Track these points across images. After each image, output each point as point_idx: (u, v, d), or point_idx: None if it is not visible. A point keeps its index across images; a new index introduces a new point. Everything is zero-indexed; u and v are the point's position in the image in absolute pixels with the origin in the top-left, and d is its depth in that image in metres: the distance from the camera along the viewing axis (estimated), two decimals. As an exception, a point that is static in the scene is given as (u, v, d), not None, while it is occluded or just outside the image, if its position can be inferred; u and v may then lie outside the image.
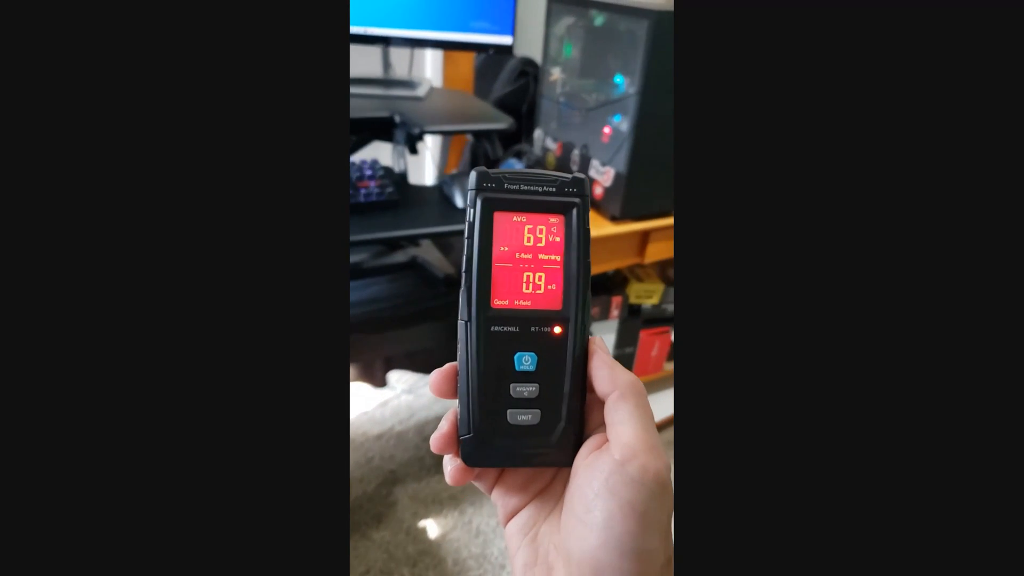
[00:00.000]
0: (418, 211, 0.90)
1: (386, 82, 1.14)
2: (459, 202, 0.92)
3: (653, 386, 1.58)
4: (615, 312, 1.36)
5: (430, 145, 1.53)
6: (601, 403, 0.30)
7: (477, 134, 1.12)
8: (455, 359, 0.31)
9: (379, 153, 1.11)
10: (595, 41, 1.11)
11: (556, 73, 1.20)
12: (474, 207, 0.31)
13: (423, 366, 1.24)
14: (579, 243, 0.31)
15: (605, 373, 0.30)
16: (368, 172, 0.93)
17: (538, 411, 0.31)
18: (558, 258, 0.31)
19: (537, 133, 1.29)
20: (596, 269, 1.20)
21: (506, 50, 1.04)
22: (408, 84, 1.13)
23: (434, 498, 1.39)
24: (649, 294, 1.41)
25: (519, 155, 1.34)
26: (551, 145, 1.24)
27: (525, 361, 0.31)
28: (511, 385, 0.31)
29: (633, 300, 1.40)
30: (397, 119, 0.96)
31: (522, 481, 0.33)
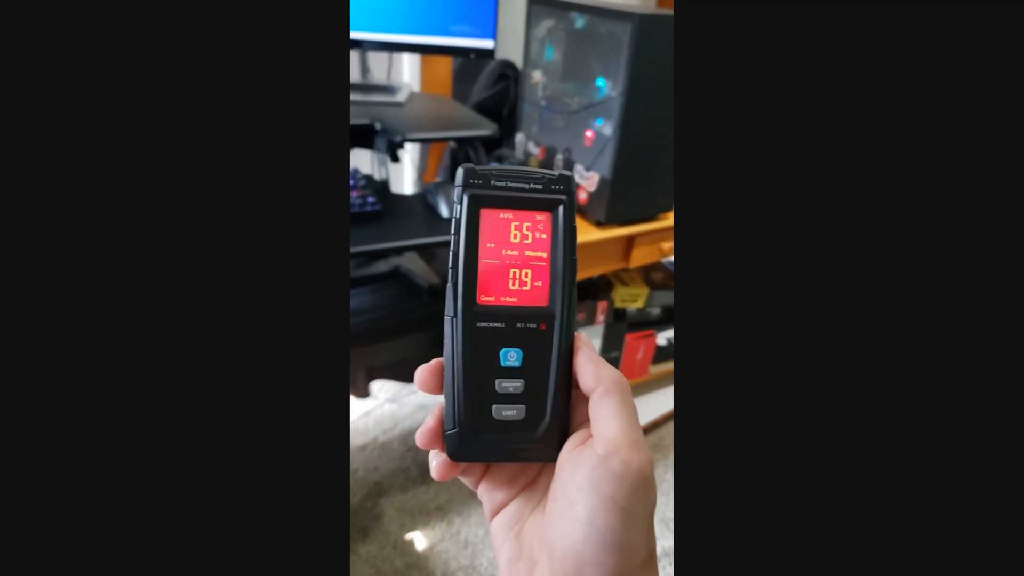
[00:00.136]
0: (402, 221, 0.88)
1: (364, 87, 1.11)
2: (444, 212, 0.90)
3: (638, 389, 1.58)
4: (600, 317, 1.35)
5: (409, 150, 1.50)
6: (586, 399, 0.30)
7: (460, 140, 1.10)
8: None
9: (357, 160, 1.08)
10: (576, 44, 1.10)
11: (537, 76, 1.19)
12: (461, 204, 0.31)
13: (406, 375, 1.21)
14: (565, 240, 0.32)
15: (590, 369, 0.30)
16: (350, 182, 0.90)
17: (523, 406, 0.31)
18: (544, 255, 0.32)
19: (519, 137, 1.27)
20: (581, 275, 1.19)
21: (487, 54, 1.02)
22: (388, 89, 1.11)
23: (421, 509, 1.36)
24: (634, 298, 1.40)
25: (500, 160, 1.32)
26: (533, 149, 1.23)
27: (511, 357, 0.31)
28: (496, 380, 0.31)
29: (618, 304, 1.39)
30: (378, 126, 0.94)
31: (508, 476, 0.33)
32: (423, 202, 0.95)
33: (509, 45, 1.33)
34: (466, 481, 0.33)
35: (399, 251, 0.96)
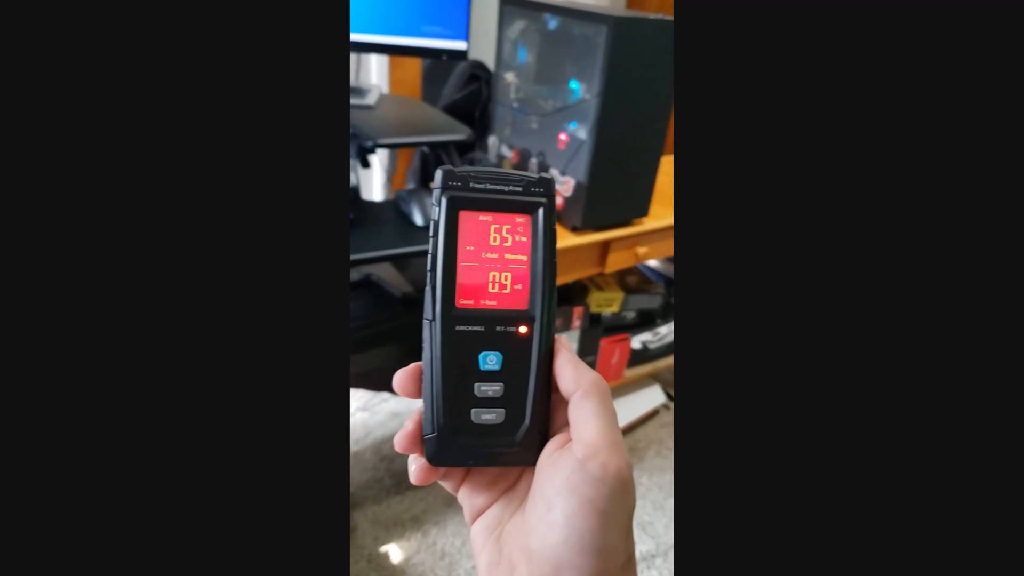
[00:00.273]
0: (375, 231, 0.85)
1: (332, 89, 1.07)
2: (418, 220, 0.87)
3: (614, 393, 1.57)
4: (576, 322, 1.34)
5: (378, 154, 1.47)
6: (566, 402, 0.30)
7: (432, 145, 1.07)
8: None
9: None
10: (550, 45, 1.08)
11: (510, 78, 1.16)
12: (439, 206, 0.30)
13: (378, 383, 1.18)
14: (545, 243, 0.31)
15: (569, 372, 0.30)
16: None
17: (502, 410, 0.31)
18: (524, 258, 0.31)
19: (491, 140, 1.25)
20: (558, 281, 1.17)
21: (460, 55, 0.99)
22: (357, 91, 1.07)
23: (395, 520, 1.33)
24: (609, 302, 1.39)
25: (473, 163, 1.30)
26: (507, 152, 1.20)
27: (490, 360, 0.31)
28: (475, 384, 0.31)
29: (593, 309, 1.38)
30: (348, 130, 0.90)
31: (488, 480, 0.33)
32: (395, 209, 0.92)
33: (480, 46, 1.30)
34: (446, 485, 0.33)
35: (372, 263, 0.92)
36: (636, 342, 1.48)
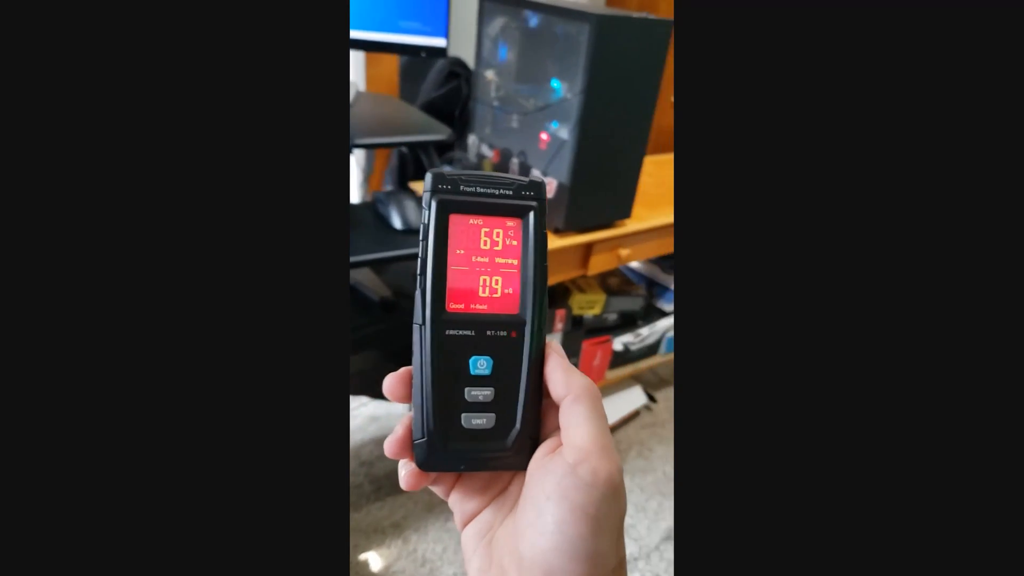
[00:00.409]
0: (352, 235, 0.82)
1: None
2: (396, 223, 0.85)
3: (595, 394, 1.56)
4: (559, 325, 1.32)
5: (355, 154, 1.43)
6: (556, 406, 0.30)
7: (411, 145, 1.04)
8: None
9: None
10: (531, 43, 1.06)
11: (491, 75, 1.14)
12: (429, 209, 0.30)
13: (357, 388, 1.15)
14: (536, 247, 0.31)
15: (560, 376, 0.30)
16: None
17: (493, 415, 0.31)
18: (515, 262, 0.31)
19: (471, 139, 1.22)
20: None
21: (440, 53, 0.97)
22: (331, 89, 1.04)
23: (375, 527, 1.30)
24: (591, 304, 1.38)
25: (452, 162, 1.27)
26: (487, 152, 1.18)
27: (480, 365, 0.31)
28: (466, 389, 0.30)
29: (575, 311, 1.36)
30: (322, 130, 0.87)
31: (479, 485, 0.32)
32: (373, 212, 0.89)
33: (459, 43, 1.28)
34: (437, 490, 0.33)
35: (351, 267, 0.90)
36: (618, 344, 1.47)
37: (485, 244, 0.31)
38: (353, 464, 1.45)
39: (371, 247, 0.78)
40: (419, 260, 0.30)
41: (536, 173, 1.07)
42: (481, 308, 0.31)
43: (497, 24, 1.11)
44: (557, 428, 0.30)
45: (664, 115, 1.09)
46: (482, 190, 0.31)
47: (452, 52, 1.26)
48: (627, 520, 1.39)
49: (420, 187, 1.26)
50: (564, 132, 1.01)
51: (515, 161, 1.12)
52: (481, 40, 1.14)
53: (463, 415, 0.31)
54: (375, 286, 0.95)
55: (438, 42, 0.96)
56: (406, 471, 0.31)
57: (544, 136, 1.05)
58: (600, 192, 1.07)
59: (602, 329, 1.44)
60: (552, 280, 1.16)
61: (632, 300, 1.47)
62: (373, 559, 1.24)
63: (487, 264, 0.31)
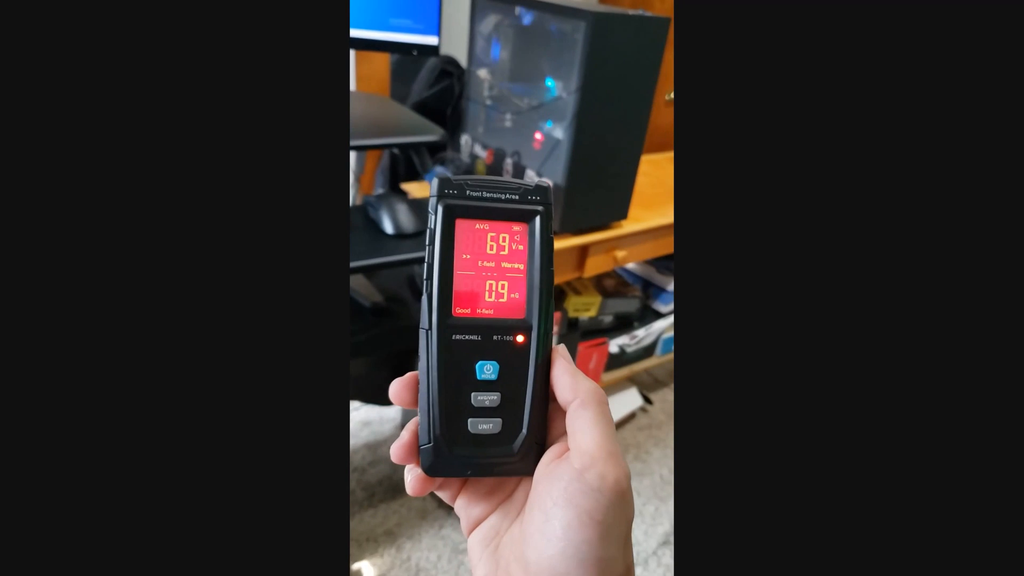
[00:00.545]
0: (341, 239, 0.79)
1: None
2: (388, 227, 0.82)
3: (591, 397, 1.54)
4: (555, 328, 1.30)
5: (345, 151, 1.40)
6: (563, 411, 0.29)
7: (403, 145, 1.01)
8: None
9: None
10: (524, 41, 1.04)
11: (483, 74, 1.12)
12: (435, 214, 0.30)
13: (350, 394, 1.13)
14: (542, 251, 0.31)
15: (567, 381, 0.29)
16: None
17: (499, 420, 0.30)
18: (521, 266, 0.31)
19: (464, 139, 1.20)
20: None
21: (431, 51, 0.94)
22: (320, 89, 1.01)
23: (368, 535, 1.28)
24: (587, 307, 1.36)
25: (444, 163, 1.25)
26: (480, 152, 1.16)
27: (487, 370, 0.30)
28: (472, 394, 0.30)
29: (571, 314, 1.34)
30: (311, 131, 0.84)
31: (485, 490, 0.32)
32: (363, 216, 0.87)
33: (451, 41, 1.25)
34: (443, 495, 0.33)
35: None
36: (613, 346, 1.45)
37: (491, 249, 0.31)
38: (345, 470, 1.42)
39: (362, 253, 0.75)
40: (425, 265, 0.30)
41: (531, 174, 1.05)
42: (487, 313, 0.31)
43: (490, 22, 1.08)
44: (563, 433, 0.29)
45: (659, 113, 1.07)
46: (488, 195, 0.31)
47: (444, 50, 1.23)
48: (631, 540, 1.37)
49: (412, 188, 1.24)
50: (559, 132, 0.99)
51: (509, 162, 1.09)
52: (473, 38, 1.12)
53: (469, 420, 0.30)
54: (366, 292, 0.93)
55: (430, 40, 0.93)
56: (412, 476, 0.31)
57: (538, 136, 1.03)
58: (596, 193, 1.05)
59: (598, 331, 1.43)
60: (547, 283, 1.14)
61: (628, 302, 1.45)
62: (366, 568, 1.22)
63: (493, 269, 0.31)
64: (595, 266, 1.15)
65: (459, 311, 0.30)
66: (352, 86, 1.40)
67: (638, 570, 1.27)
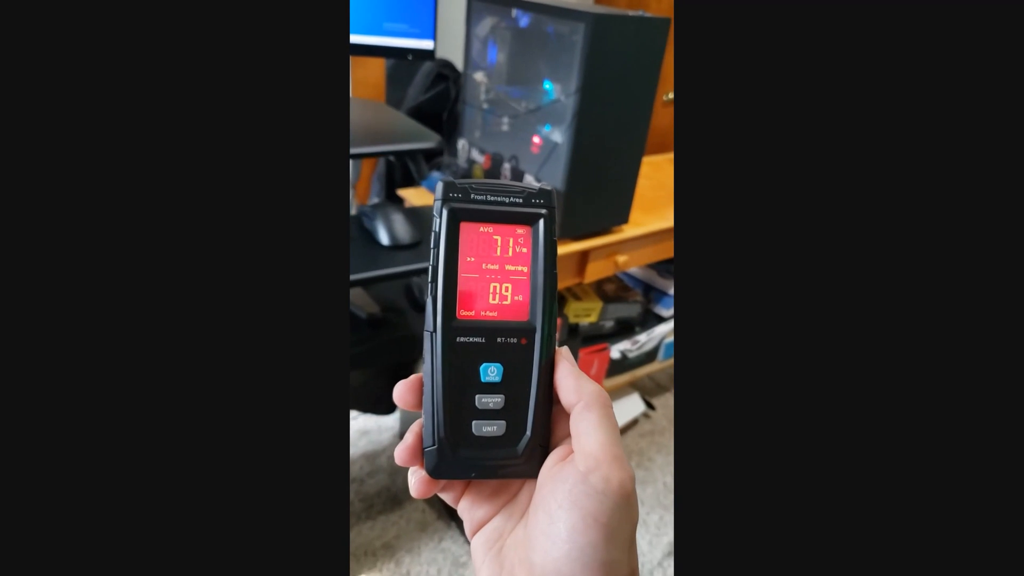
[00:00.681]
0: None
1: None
2: (384, 238, 0.80)
3: (592, 403, 1.51)
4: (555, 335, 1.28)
5: (340, 157, 1.38)
6: (567, 414, 0.30)
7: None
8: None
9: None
10: (521, 44, 1.01)
11: (480, 77, 1.09)
12: (440, 217, 0.30)
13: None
14: (546, 254, 0.31)
15: (571, 383, 0.30)
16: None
17: (503, 422, 0.31)
18: (525, 269, 0.31)
19: (461, 144, 1.18)
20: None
21: (427, 55, 0.92)
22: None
23: (366, 548, 1.26)
24: (587, 312, 1.34)
25: (440, 168, 1.23)
26: (478, 157, 1.13)
27: (491, 372, 0.31)
28: (476, 396, 0.31)
29: (572, 319, 1.32)
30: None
31: (489, 492, 0.32)
32: (359, 226, 0.84)
33: (447, 44, 1.23)
34: (446, 497, 0.33)
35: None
36: (615, 351, 1.43)
37: (495, 252, 0.31)
38: (343, 482, 1.40)
39: (357, 266, 0.73)
40: (430, 268, 0.31)
41: (529, 178, 1.03)
42: (491, 315, 0.31)
43: (486, 24, 1.06)
44: (567, 435, 0.30)
45: (658, 114, 1.04)
46: (492, 198, 0.31)
47: (440, 54, 1.21)
48: (636, 543, 1.35)
49: (409, 195, 1.21)
50: (557, 135, 0.96)
51: (507, 166, 1.07)
52: (470, 41, 1.09)
53: (473, 422, 0.31)
54: (363, 303, 0.90)
55: (425, 44, 0.91)
56: (416, 478, 0.31)
57: (536, 139, 1.01)
58: (596, 197, 1.03)
59: (599, 337, 1.40)
60: (548, 290, 1.12)
61: (629, 307, 1.43)
62: (365, 583, 1.19)
63: (497, 271, 0.31)
64: (596, 272, 1.12)
65: (463, 313, 0.31)
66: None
67: (643, 580, 1.25)
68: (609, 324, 1.41)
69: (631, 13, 0.91)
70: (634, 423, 1.62)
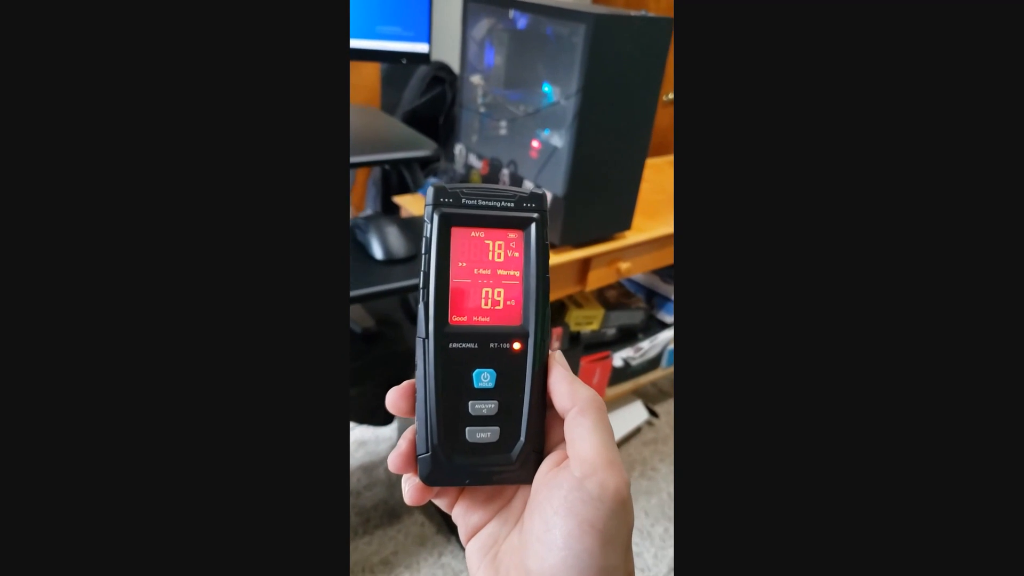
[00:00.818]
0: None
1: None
2: (377, 252, 0.76)
3: (594, 412, 1.48)
4: (555, 344, 1.24)
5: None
6: (561, 419, 0.29)
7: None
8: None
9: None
10: (519, 46, 0.98)
11: (477, 80, 1.06)
12: (431, 222, 0.30)
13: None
14: (538, 258, 0.31)
15: (564, 388, 0.29)
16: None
17: (497, 428, 0.30)
18: (517, 273, 0.31)
19: (458, 148, 1.14)
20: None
21: (422, 59, 0.89)
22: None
23: (363, 565, 1.22)
24: (589, 320, 1.31)
25: (437, 173, 1.19)
26: (475, 162, 1.10)
27: (484, 378, 0.30)
28: (469, 402, 0.30)
29: (573, 328, 1.29)
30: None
31: (483, 498, 0.32)
32: (352, 240, 0.81)
33: (443, 46, 1.19)
34: (440, 504, 0.33)
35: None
36: (617, 359, 1.40)
37: (487, 256, 0.31)
38: (340, 496, 1.36)
39: (352, 281, 0.69)
40: (421, 273, 0.30)
41: (528, 184, 0.99)
42: (484, 321, 0.31)
43: (483, 26, 1.03)
44: (561, 440, 0.29)
45: (659, 115, 1.01)
46: (484, 203, 0.31)
47: (436, 56, 1.17)
48: (631, 548, 1.32)
49: (405, 201, 1.18)
50: (557, 139, 0.93)
51: (505, 172, 1.04)
52: (466, 43, 1.06)
53: (467, 429, 0.30)
54: (358, 317, 0.87)
55: (420, 47, 0.88)
56: (410, 485, 0.31)
57: (535, 144, 0.97)
58: (597, 203, 1.00)
59: (601, 344, 1.37)
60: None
61: (631, 314, 1.40)
62: (363, 601, 1.16)
63: (489, 276, 0.31)
64: (597, 279, 1.09)
65: (455, 319, 0.30)
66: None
67: (648, 595, 1.22)
68: (611, 332, 1.38)
69: (633, 13, 0.88)
70: (637, 431, 1.59)
